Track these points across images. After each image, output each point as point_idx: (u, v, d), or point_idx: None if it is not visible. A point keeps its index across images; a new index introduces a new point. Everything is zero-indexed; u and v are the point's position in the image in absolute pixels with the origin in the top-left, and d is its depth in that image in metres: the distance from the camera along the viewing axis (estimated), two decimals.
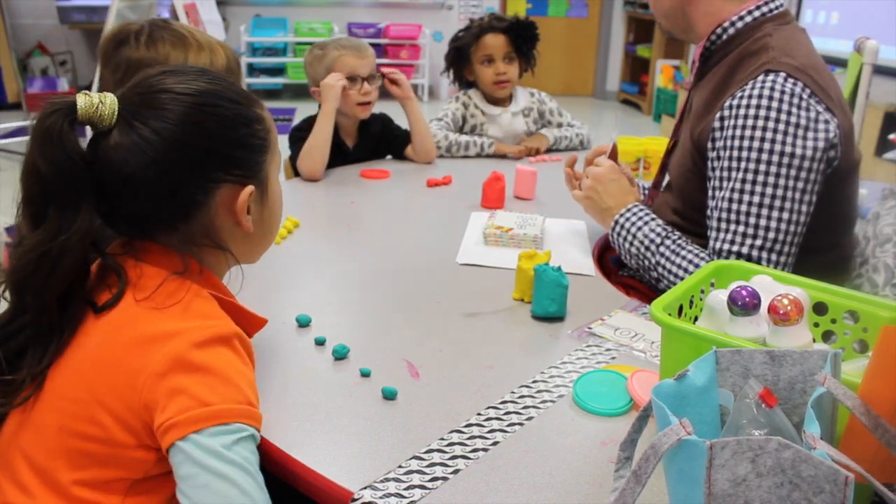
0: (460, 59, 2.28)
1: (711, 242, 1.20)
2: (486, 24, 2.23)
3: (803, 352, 0.67)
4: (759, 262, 1.14)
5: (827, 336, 0.93)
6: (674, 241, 1.24)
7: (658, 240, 1.25)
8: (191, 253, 0.82)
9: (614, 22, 7.57)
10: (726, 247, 1.17)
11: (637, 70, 7.43)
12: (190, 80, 0.80)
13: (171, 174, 0.77)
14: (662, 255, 1.23)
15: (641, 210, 1.31)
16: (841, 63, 2.83)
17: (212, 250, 0.84)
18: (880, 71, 2.30)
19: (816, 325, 0.92)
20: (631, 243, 1.28)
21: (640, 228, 1.27)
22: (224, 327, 0.78)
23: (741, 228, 1.15)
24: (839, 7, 4.42)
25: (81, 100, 0.75)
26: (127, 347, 0.74)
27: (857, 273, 1.29)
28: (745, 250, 1.15)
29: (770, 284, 0.89)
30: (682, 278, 1.19)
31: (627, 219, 1.30)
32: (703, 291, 0.95)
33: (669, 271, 1.22)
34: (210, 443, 0.69)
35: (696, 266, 1.19)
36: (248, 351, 0.81)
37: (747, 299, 0.81)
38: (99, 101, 0.75)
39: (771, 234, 1.14)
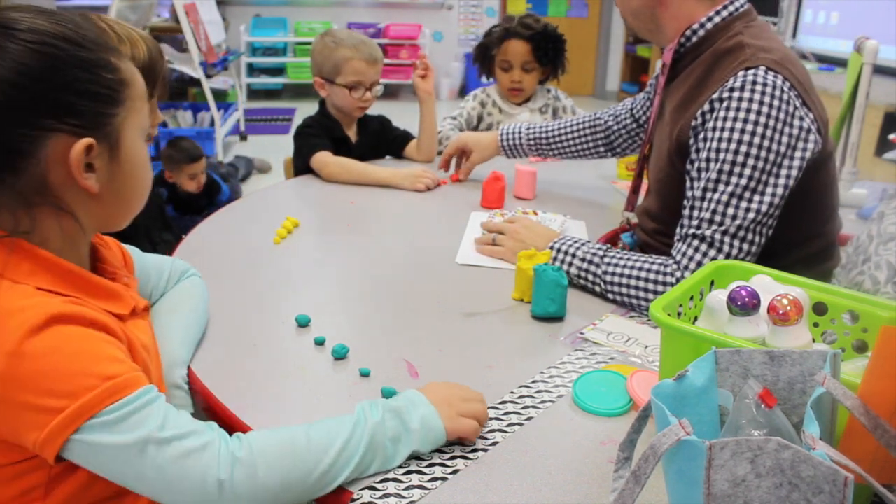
0: (485, 57, 2.29)
1: (678, 229, 1.20)
2: (512, 29, 2.22)
3: (803, 352, 0.67)
4: (721, 245, 1.14)
5: (826, 336, 0.93)
6: (616, 253, 1.24)
7: (601, 253, 1.24)
8: (26, 216, 0.74)
9: (614, 22, 7.56)
10: (692, 231, 1.17)
11: (637, 70, 7.43)
12: (27, 19, 0.72)
13: None
14: (608, 264, 1.22)
15: (573, 238, 1.31)
16: (841, 63, 2.84)
17: (50, 213, 0.75)
18: (880, 71, 2.29)
19: (816, 325, 0.92)
20: (570, 264, 1.26)
21: (578, 248, 1.27)
22: (40, 309, 0.69)
23: (707, 215, 1.15)
24: (839, 7, 4.42)
25: None
26: None
27: (859, 270, 1.29)
28: (708, 234, 1.15)
29: (770, 284, 0.89)
30: (636, 279, 1.18)
31: (563, 242, 1.29)
32: (702, 291, 0.95)
33: (622, 275, 1.20)
34: (96, 439, 0.67)
35: (651, 264, 1.18)
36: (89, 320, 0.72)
37: (747, 299, 0.81)
38: None
39: (738, 222, 1.14)
